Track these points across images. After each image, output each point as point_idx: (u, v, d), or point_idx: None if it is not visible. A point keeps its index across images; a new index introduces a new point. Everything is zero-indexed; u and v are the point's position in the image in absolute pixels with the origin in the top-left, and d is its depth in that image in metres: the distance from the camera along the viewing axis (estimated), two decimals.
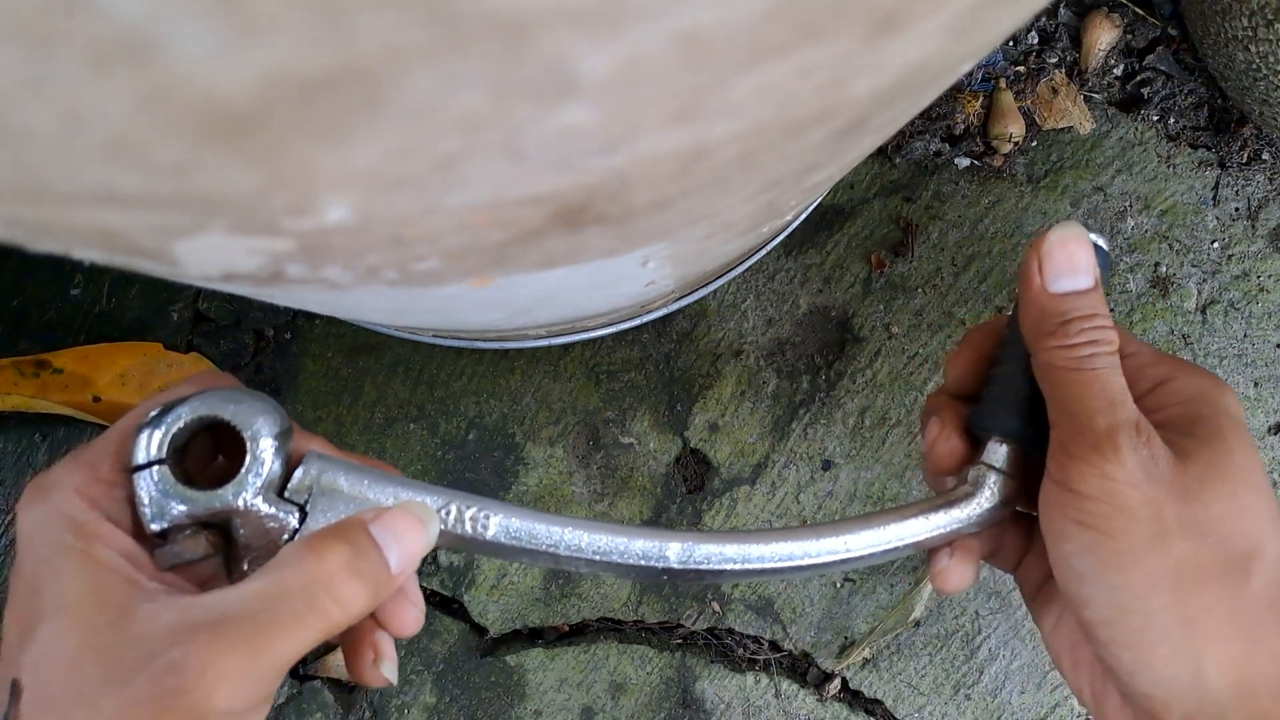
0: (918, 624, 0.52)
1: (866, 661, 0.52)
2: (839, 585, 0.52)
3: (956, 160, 0.53)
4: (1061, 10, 0.54)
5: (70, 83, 0.11)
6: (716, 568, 0.28)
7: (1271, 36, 0.46)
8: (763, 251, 0.51)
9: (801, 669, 0.52)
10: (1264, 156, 0.53)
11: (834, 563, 0.30)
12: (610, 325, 0.49)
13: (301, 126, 0.12)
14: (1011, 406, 0.31)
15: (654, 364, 0.53)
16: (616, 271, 0.27)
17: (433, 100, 0.12)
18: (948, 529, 0.31)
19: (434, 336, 0.50)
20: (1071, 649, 0.31)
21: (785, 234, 0.51)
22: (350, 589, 0.24)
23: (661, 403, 0.53)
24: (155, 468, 0.25)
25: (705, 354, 0.53)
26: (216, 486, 0.26)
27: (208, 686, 0.21)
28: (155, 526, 0.25)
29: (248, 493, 0.26)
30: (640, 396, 0.53)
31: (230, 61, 0.11)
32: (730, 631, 0.52)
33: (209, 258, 0.17)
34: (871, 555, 0.30)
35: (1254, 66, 0.48)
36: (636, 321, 0.50)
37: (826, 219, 0.53)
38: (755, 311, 0.53)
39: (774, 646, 0.52)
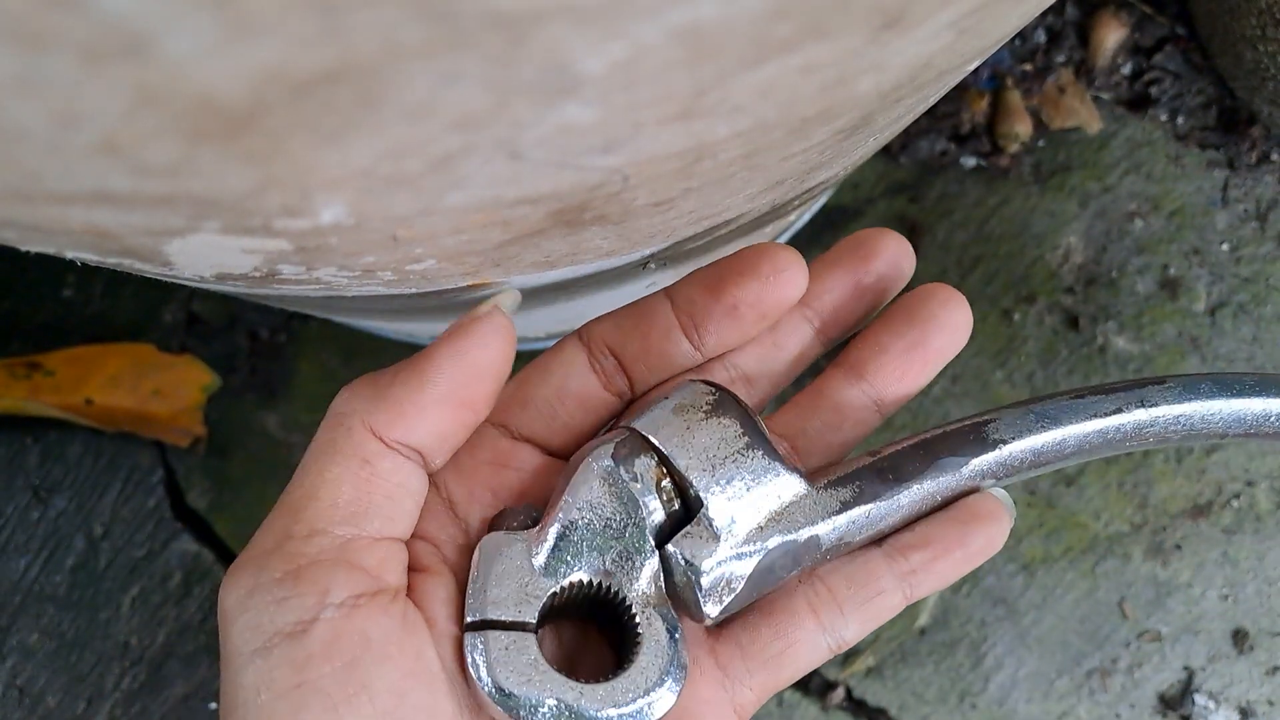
0: (923, 631, 0.52)
1: (870, 670, 0.52)
2: None
3: (963, 160, 0.53)
4: (1069, 8, 0.54)
5: (62, 81, 0.11)
6: None
7: None
8: None
9: (804, 677, 0.52)
10: (1273, 157, 0.53)
11: None
12: None
13: (296, 125, 0.12)
14: None
15: None
16: (616, 272, 0.27)
17: (430, 99, 0.12)
18: None
19: (432, 339, 0.50)
20: None
21: (788, 234, 0.51)
22: None
23: None
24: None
25: None
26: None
27: None
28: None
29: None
30: None
31: (224, 59, 0.11)
32: None
33: (202, 258, 0.17)
34: None
35: (1262, 65, 0.48)
36: None
37: (831, 219, 0.53)
38: None
39: None
